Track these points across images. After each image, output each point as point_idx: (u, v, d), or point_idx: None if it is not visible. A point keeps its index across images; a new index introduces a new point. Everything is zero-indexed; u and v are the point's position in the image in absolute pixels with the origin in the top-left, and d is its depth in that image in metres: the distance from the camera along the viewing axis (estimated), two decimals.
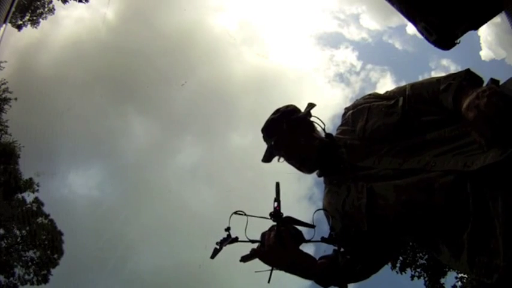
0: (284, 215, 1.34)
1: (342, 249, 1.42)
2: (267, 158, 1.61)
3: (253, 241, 1.36)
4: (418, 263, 11.84)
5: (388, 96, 1.48)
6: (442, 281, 11.70)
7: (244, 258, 1.36)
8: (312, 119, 1.59)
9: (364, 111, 1.45)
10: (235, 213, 1.37)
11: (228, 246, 1.35)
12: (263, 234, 1.34)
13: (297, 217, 1.38)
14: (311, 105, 1.59)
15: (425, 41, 1.38)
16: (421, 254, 11.53)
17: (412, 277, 11.82)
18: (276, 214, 1.33)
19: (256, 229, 1.36)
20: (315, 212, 1.40)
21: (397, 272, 11.84)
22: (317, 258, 1.45)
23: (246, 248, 1.37)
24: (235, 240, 1.35)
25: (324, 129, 1.57)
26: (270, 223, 1.36)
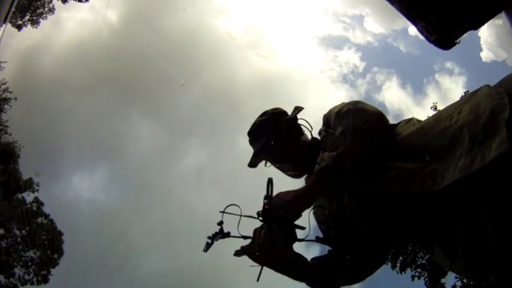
0: (273, 215, 1.29)
1: (338, 250, 1.41)
2: (253, 162, 1.57)
3: (245, 237, 1.32)
4: (418, 263, 11.85)
5: None
6: (443, 280, 11.72)
7: (237, 253, 1.33)
8: (301, 122, 1.56)
9: (333, 137, 1.40)
10: (224, 211, 1.33)
11: (222, 242, 1.33)
12: (255, 231, 1.31)
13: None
14: (298, 109, 1.57)
15: (429, 44, 1.38)
16: (421, 254, 11.53)
17: (413, 278, 11.83)
18: (264, 213, 1.29)
19: (253, 224, 1.34)
20: (310, 210, 1.38)
21: (397, 272, 11.86)
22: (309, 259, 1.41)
23: (243, 243, 1.34)
24: (227, 235, 1.32)
25: (311, 133, 1.55)
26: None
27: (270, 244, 1.25)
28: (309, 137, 1.55)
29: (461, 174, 1.06)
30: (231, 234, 1.33)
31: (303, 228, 1.32)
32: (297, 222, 1.32)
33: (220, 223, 1.33)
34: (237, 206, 1.33)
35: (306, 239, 1.32)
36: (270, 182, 1.31)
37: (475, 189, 1.08)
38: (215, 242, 1.33)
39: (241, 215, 1.33)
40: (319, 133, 1.55)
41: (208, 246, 1.32)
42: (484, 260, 1.08)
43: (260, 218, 1.30)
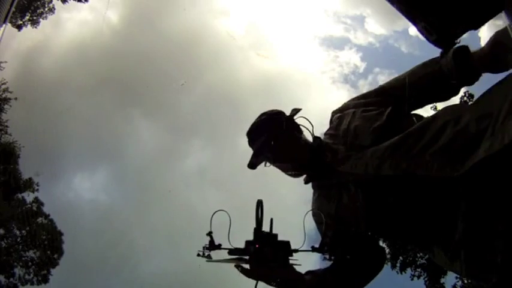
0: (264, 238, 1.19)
1: (337, 256, 1.39)
2: (252, 163, 1.55)
3: (237, 249, 1.25)
4: (418, 263, 11.84)
5: (379, 95, 1.47)
6: (442, 280, 11.71)
7: (231, 252, 1.26)
8: (302, 121, 1.56)
9: (349, 116, 1.44)
10: (211, 232, 1.25)
11: (221, 243, 1.26)
12: (247, 243, 1.24)
13: (301, 218, 1.30)
14: (296, 110, 1.58)
15: (430, 44, 1.38)
16: (421, 254, 11.53)
17: (412, 277, 11.83)
18: (255, 241, 1.20)
19: (245, 231, 1.27)
20: (306, 213, 1.33)
21: (397, 272, 11.86)
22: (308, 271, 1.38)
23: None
24: (218, 247, 1.25)
25: (312, 132, 1.55)
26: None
27: (262, 267, 1.20)
28: (309, 136, 1.55)
29: (480, 157, 1.04)
30: (222, 246, 1.25)
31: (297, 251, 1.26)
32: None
33: (210, 233, 1.26)
34: (225, 211, 1.27)
35: (300, 249, 1.26)
36: (259, 204, 1.21)
37: (490, 177, 1.06)
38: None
39: (230, 227, 1.26)
40: (325, 133, 1.54)
41: (201, 255, 1.26)
42: (486, 261, 1.07)
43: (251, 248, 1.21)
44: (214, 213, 1.25)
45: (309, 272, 1.37)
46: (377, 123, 1.34)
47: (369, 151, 1.29)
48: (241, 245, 1.26)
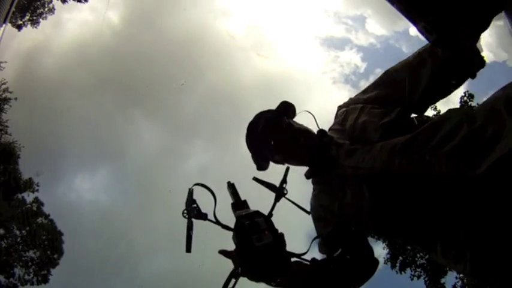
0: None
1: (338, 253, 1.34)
2: (260, 165, 1.54)
3: (223, 226, 1.15)
4: (418, 263, 11.85)
5: (376, 87, 1.46)
6: (443, 280, 11.71)
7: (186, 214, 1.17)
8: (307, 116, 1.56)
9: (356, 111, 1.42)
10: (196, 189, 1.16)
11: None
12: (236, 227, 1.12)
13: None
14: (292, 107, 1.59)
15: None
16: (421, 254, 11.53)
17: (412, 277, 11.83)
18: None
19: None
20: (313, 240, 1.25)
21: (396, 272, 11.87)
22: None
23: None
24: (205, 217, 1.15)
25: (317, 125, 1.53)
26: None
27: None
28: (314, 131, 1.53)
29: (497, 155, 1.00)
30: (208, 218, 1.16)
31: (308, 212, 1.22)
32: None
33: (190, 196, 1.14)
34: (203, 185, 1.18)
35: (301, 255, 1.16)
36: (287, 171, 1.20)
37: (497, 178, 1.03)
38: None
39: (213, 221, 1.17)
40: (330, 128, 1.53)
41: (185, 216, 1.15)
42: (491, 262, 1.06)
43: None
44: (193, 185, 1.18)
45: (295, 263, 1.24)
46: (386, 119, 1.31)
47: (378, 145, 1.25)
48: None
